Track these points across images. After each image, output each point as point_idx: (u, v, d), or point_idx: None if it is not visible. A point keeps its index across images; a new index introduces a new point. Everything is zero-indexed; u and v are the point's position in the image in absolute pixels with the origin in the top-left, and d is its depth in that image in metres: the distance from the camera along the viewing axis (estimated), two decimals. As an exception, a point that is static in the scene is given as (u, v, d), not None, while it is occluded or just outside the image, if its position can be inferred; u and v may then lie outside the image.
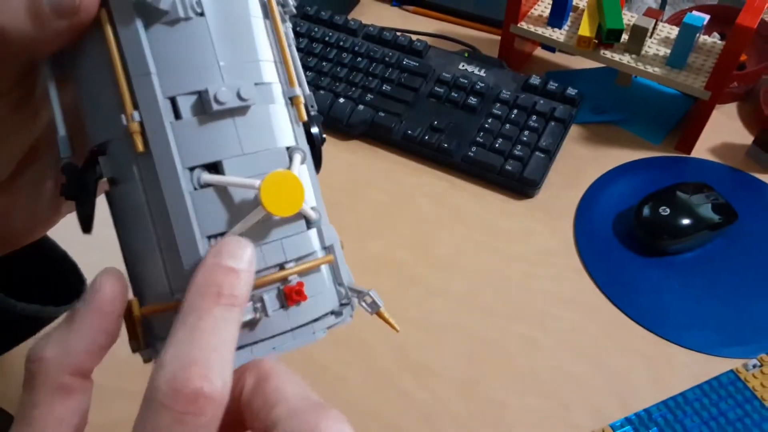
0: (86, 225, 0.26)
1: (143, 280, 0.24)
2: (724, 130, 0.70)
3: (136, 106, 0.22)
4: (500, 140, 0.66)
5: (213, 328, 0.20)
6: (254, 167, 0.23)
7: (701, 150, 0.69)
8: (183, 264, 0.22)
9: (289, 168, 0.24)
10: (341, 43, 0.74)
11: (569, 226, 0.63)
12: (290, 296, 0.23)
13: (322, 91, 0.70)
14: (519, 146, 0.65)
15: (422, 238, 0.62)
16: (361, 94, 0.70)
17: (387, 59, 0.72)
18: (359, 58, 0.73)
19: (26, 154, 0.28)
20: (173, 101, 0.22)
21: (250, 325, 0.23)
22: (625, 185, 0.66)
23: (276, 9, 0.25)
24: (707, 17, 0.63)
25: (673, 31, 0.68)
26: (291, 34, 0.27)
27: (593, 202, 0.64)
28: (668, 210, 0.59)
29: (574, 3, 0.71)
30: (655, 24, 0.67)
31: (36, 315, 0.39)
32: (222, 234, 0.23)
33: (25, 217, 0.29)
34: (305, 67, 0.72)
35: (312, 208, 0.25)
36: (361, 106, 0.69)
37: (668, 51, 0.66)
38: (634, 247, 0.61)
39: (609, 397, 0.51)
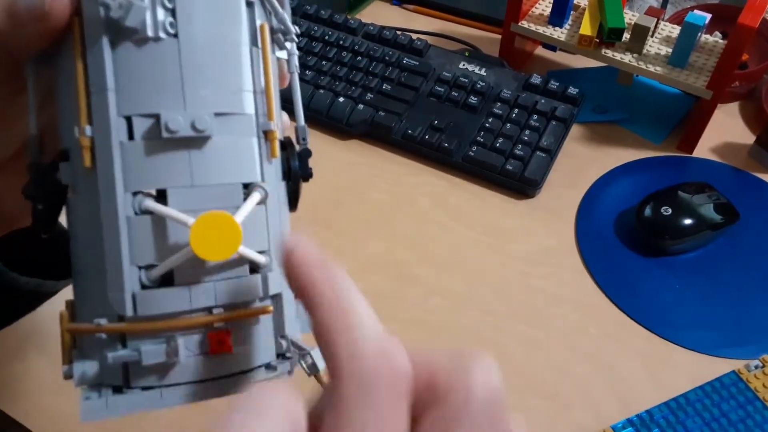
0: (41, 226, 0.25)
1: (76, 295, 0.24)
2: (725, 129, 0.70)
3: (90, 121, 0.22)
4: (501, 140, 0.65)
5: (365, 303, 0.20)
6: (201, 201, 0.22)
7: (703, 150, 0.68)
8: (107, 289, 0.22)
9: (239, 206, 0.22)
10: (341, 42, 0.73)
11: (570, 226, 0.62)
12: (212, 345, 0.22)
13: (321, 91, 0.70)
14: (520, 146, 0.65)
15: (422, 238, 0.61)
16: (361, 93, 0.70)
17: (387, 58, 0.72)
18: (359, 57, 0.73)
19: (27, 141, 0.28)
20: (129, 121, 0.21)
21: (164, 367, 0.22)
22: (627, 185, 0.65)
23: (267, 37, 0.24)
24: (709, 16, 0.63)
25: (675, 30, 0.68)
26: (295, 62, 0.26)
27: (594, 201, 0.64)
28: (670, 210, 0.59)
29: (575, 2, 0.71)
30: (657, 23, 0.67)
31: (37, 289, 0.40)
32: (152, 266, 0.21)
33: (23, 199, 0.30)
34: (304, 66, 0.72)
35: (261, 252, 0.23)
36: (361, 106, 0.69)
37: (670, 50, 0.66)
38: (635, 247, 0.60)
39: (610, 397, 0.51)
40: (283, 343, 0.24)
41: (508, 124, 0.67)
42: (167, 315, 0.22)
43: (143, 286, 0.21)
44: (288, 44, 0.27)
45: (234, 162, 0.23)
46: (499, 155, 0.65)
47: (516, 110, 0.67)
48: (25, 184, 0.24)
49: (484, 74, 0.71)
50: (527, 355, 0.54)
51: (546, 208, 0.64)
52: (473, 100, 0.68)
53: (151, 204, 0.21)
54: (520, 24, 0.70)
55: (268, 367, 0.24)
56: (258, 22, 0.24)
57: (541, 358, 0.53)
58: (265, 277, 0.23)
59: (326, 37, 0.74)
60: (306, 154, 0.26)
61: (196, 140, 0.22)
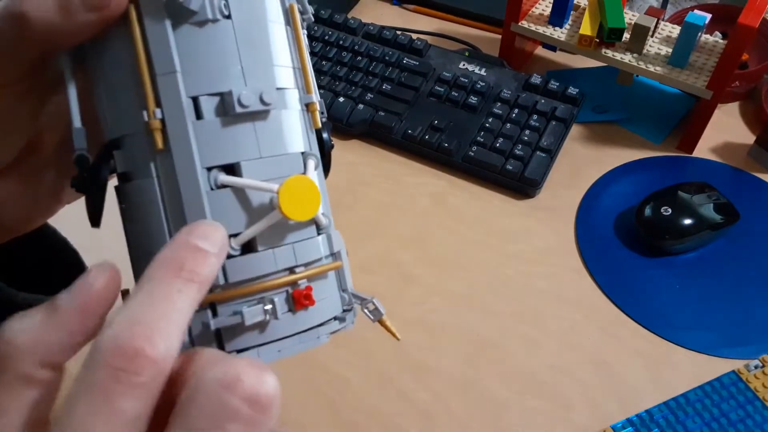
0: (95, 219, 0.26)
1: None
2: (725, 129, 0.70)
3: (158, 104, 0.22)
4: (501, 140, 0.65)
5: (166, 296, 0.20)
6: (271, 171, 0.23)
7: (703, 149, 0.68)
8: None
9: (304, 173, 0.24)
10: (341, 42, 0.74)
11: (570, 226, 0.62)
12: (299, 300, 0.24)
13: (321, 90, 0.70)
14: (520, 146, 0.65)
15: (422, 237, 0.62)
16: (361, 93, 0.70)
17: (387, 58, 0.72)
18: (359, 57, 0.73)
19: (29, 143, 0.28)
20: (195, 101, 0.23)
21: (259, 326, 0.23)
22: (627, 185, 0.65)
23: (297, 16, 0.25)
24: (709, 16, 0.63)
25: (675, 30, 0.68)
26: (306, 41, 0.27)
27: (594, 201, 0.64)
28: (670, 210, 0.59)
29: (575, 2, 0.71)
30: (657, 23, 0.67)
31: (37, 304, 0.39)
32: (236, 235, 0.23)
33: (25, 205, 0.29)
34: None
35: (323, 214, 0.25)
36: (361, 106, 0.69)
37: (670, 50, 0.66)
38: (635, 247, 0.60)
39: (610, 397, 0.51)
40: (345, 296, 0.26)
41: (508, 124, 0.67)
42: (256, 278, 0.23)
43: (228, 255, 0.23)
44: (304, 23, 0.28)
45: (290, 133, 0.24)
46: (499, 155, 0.65)
47: (516, 110, 0.68)
48: (73, 177, 0.25)
49: (484, 74, 0.71)
50: (527, 354, 0.54)
51: (546, 208, 0.64)
52: (473, 100, 0.68)
53: (229, 178, 0.23)
54: (520, 24, 0.70)
55: (338, 318, 0.26)
56: (287, 3, 0.25)
57: (540, 358, 0.53)
58: (329, 236, 0.25)
59: (326, 37, 0.74)
60: (329, 126, 0.28)
61: (261, 114, 0.23)
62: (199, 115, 0.23)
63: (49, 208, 0.31)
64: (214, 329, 0.23)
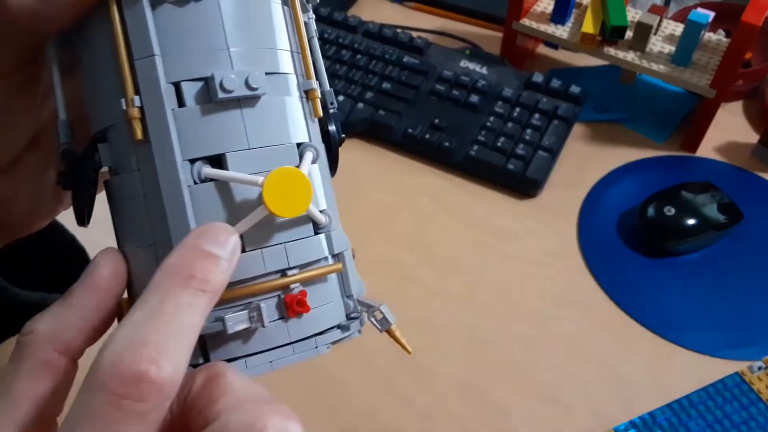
0: (81, 217, 0.25)
1: (135, 275, 0.23)
2: (729, 128, 0.69)
3: (137, 91, 0.21)
4: (502, 139, 0.65)
5: (175, 311, 0.18)
6: (260, 163, 0.21)
7: (706, 149, 0.68)
8: None
9: (298, 166, 0.22)
10: (341, 40, 0.73)
11: (572, 226, 0.62)
12: (291, 306, 0.22)
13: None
14: (521, 145, 0.65)
15: (423, 238, 0.61)
16: (361, 92, 0.69)
17: (387, 56, 0.72)
18: (359, 56, 0.72)
19: (30, 141, 0.27)
20: (177, 87, 0.21)
21: (244, 335, 0.21)
22: (629, 185, 0.65)
23: None
24: (712, 14, 0.62)
25: (678, 28, 0.67)
26: (313, 26, 0.26)
27: (597, 201, 0.64)
28: (673, 210, 0.59)
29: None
30: (660, 21, 0.66)
31: (41, 302, 0.39)
32: None
33: (27, 205, 0.29)
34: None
35: (321, 212, 0.23)
36: (360, 104, 0.68)
37: (673, 48, 0.65)
38: (638, 248, 0.60)
39: (612, 399, 0.51)
40: (350, 302, 0.24)
41: (510, 123, 0.66)
42: (242, 281, 0.21)
43: None
44: (309, 5, 0.26)
45: (285, 122, 0.22)
46: (501, 155, 0.64)
47: (517, 109, 0.67)
48: (60, 173, 0.24)
49: (486, 73, 0.71)
50: (529, 356, 0.53)
51: (548, 208, 0.63)
52: (474, 98, 0.68)
53: (213, 170, 0.21)
54: (521, 22, 0.70)
55: (341, 327, 0.24)
56: None
57: (543, 360, 0.53)
58: (329, 236, 0.23)
59: (326, 35, 0.74)
60: (337, 117, 0.26)
61: (249, 100, 0.21)
62: (181, 102, 0.21)
63: (51, 209, 0.31)
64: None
